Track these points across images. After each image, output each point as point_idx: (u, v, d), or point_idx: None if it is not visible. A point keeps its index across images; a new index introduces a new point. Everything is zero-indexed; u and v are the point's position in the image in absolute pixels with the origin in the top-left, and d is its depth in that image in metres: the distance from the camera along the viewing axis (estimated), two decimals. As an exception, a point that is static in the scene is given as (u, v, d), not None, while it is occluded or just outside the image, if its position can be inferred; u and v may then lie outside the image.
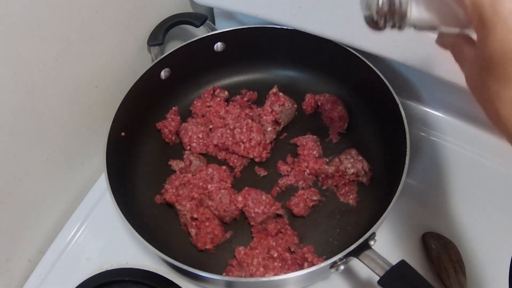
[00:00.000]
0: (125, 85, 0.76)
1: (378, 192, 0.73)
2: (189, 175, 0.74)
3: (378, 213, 0.63)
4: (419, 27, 0.44)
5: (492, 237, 0.71)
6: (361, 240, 0.59)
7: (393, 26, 0.45)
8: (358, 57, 0.77)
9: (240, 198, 0.70)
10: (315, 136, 0.78)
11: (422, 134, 0.82)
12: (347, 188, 0.74)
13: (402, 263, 0.56)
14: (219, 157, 0.79)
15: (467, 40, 0.43)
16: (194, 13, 0.90)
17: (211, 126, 0.81)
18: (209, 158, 0.79)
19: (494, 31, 0.36)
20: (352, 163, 0.73)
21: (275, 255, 0.66)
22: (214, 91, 0.85)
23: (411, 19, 0.43)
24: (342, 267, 0.60)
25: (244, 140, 0.76)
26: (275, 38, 0.83)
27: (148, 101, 0.81)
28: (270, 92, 0.81)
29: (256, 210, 0.69)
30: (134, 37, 0.81)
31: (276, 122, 0.79)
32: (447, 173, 0.78)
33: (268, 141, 0.77)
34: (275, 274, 0.64)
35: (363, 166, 0.73)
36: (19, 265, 0.71)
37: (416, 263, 0.57)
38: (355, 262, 0.62)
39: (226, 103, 0.83)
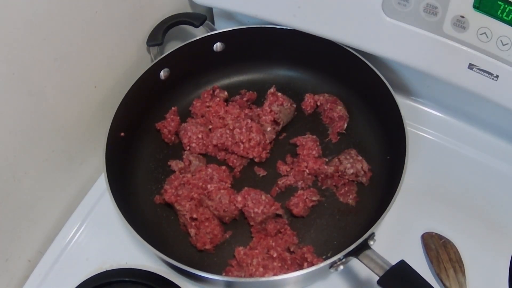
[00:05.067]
0: (124, 85, 0.76)
1: (378, 192, 0.73)
2: (189, 175, 0.74)
3: (377, 213, 0.63)
4: None
5: (491, 237, 0.71)
6: (360, 240, 0.59)
7: None
8: (358, 57, 0.77)
9: (239, 198, 0.70)
10: (314, 136, 0.78)
11: (422, 134, 0.82)
12: (346, 188, 0.74)
13: (402, 263, 0.56)
14: (219, 157, 0.79)
15: None
16: (194, 13, 0.90)
17: (210, 126, 0.81)
18: (208, 158, 0.79)
19: None
20: (352, 163, 0.73)
21: (275, 255, 0.66)
22: (213, 91, 0.85)
23: None
24: (341, 267, 0.60)
25: (244, 140, 0.76)
26: (274, 38, 0.83)
27: (147, 101, 0.81)
28: (268, 92, 0.81)
29: (256, 210, 0.69)
30: (134, 37, 0.81)
31: (275, 122, 0.79)
32: (446, 173, 0.78)
33: (267, 141, 0.77)
34: (275, 274, 0.64)
35: (363, 166, 0.73)
36: (18, 265, 0.71)
37: (416, 263, 0.56)
38: (354, 262, 0.62)
39: (225, 103, 0.83)
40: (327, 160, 0.76)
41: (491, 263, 0.68)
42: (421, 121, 0.83)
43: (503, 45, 0.61)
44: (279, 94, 0.81)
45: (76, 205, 0.78)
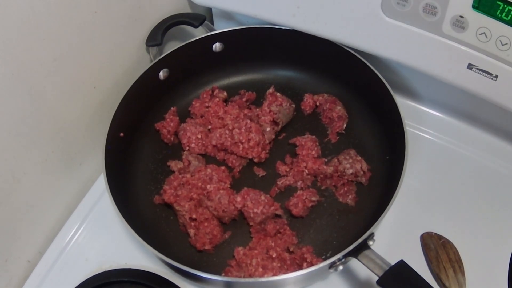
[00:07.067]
0: (123, 86, 0.76)
1: (377, 192, 0.73)
2: (188, 175, 0.74)
3: (377, 213, 0.63)
4: None
5: (491, 237, 0.71)
6: (360, 240, 0.59)
7: None
8: (357, 57, 0.77)
9: (239, 199, 0.70)
10: (314, 136, 0.78)
11: (421, 134, 0.82)
12: (346, 188, 0.74)
13: (401, 263, 0.56)
14: (218, 158, 0.79)
15: None
16: (193, 13, 0.90)
17: (210, 127, 0.81)
18: (208, 159, 0.79)
19: None
20: (351, 163, 0.73)
21: (274, 255, 0.66)
22: (213, 92, 0.85)
23: None
24: (341, 267, 0.60)
25: (243, 141, 0.76)
26: (273, 38, 0.83)
27: (146, 101, 0.81)
28: (267, 92, 0.81)
29: (255, 210, 0.69)
30: (133, 37, 0.81)
31: (274, 122, 0.79)
32: (445, 173, 0.78)
33: (266, 142, 0.77)
34: (274, 275, 0.64)
35: (362, 166, 0.73)
36: (18, 266, 0.71)
37: (415, 263, 0.56)
38: (354, 262, 0.62)
39: (224, 104, 0.83)
40: (326, 160, 0.76)
41: (491, 263, 0.68)
42: (421, 121, 0.83)
43: (502, 45, 0.61)
44: (278, 94, 0.81)
45: (76, 206, 0.78)
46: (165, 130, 0.80)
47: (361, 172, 0.73)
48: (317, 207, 0.73)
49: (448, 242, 0.69)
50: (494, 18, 0.59)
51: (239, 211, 0.71)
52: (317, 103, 0.82)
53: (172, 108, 0.83)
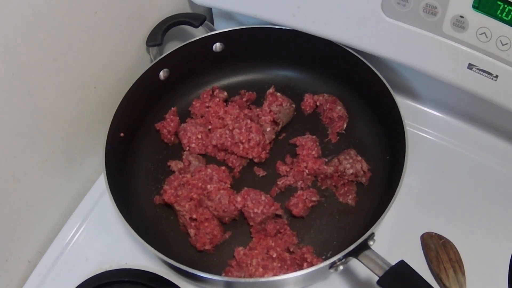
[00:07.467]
0: (124, 86, 0.76)
1: (377, 192, 0.73)
2: (188, 175, 0.74)
3: (377, 213, 0.63)
4: None
5: (491, 237, 0.71)
6: (360, 241, 0.59)
7: None
8: (357, 57, 0.77)
9: (239, 199, 0.70)
10: (314, 136, 0.78)
11: (421, 134, 0.82)
12: (346, 188, 0.74)
13: (401, 263, 0.56)
14: (218, 158, 0.79)
15: None
16: (193, 13, 0.90)
17: (210, 127, 0.81)
18: (208, 159, 0.79)
19: None
20: (351, 163, 0.73)
21: (274, 255, 0.66)
22: (213, 92, 0.85)
23: None
24: (341, 267, 0.60)
25: (243, 141, 0.76)
26: (274, 38, 0.83)
27: (147, 101, 0.81)
28: (267, 92, 0.81)
29: (255, 210, 0.69)
30: (133, 37, 0.81)
31: (274, 122, 0.79)
32: (446, 173, 0.78)
33: (267, 142, 0.77)
34: (274, 275, 0.64)
35: (362, 166, 0.73)
36: (18, 266, 0.71)
37: (415, 263, 0.56)
38: (354, 262, 0.62)
39: (225, 104, 0.83)
40: (326, 160, 0.76)
41: (491, 263, 0.68)
42: (421, 121, 0.83)
43: (503, 45, 0.61)
44: (278, 94, 0.81)
45: (76, 206, 0.78)
46: (165, 130, 0.80)
47: (361, 172, 0.73)
48: (318, 207, 0.73)
49: (449, 242, 0.69)
50: (494, 18, 0.59)
51: (239, 211, 0.71)
52: (317, 103, 0.82)
53: (172, 108, 0.83)
